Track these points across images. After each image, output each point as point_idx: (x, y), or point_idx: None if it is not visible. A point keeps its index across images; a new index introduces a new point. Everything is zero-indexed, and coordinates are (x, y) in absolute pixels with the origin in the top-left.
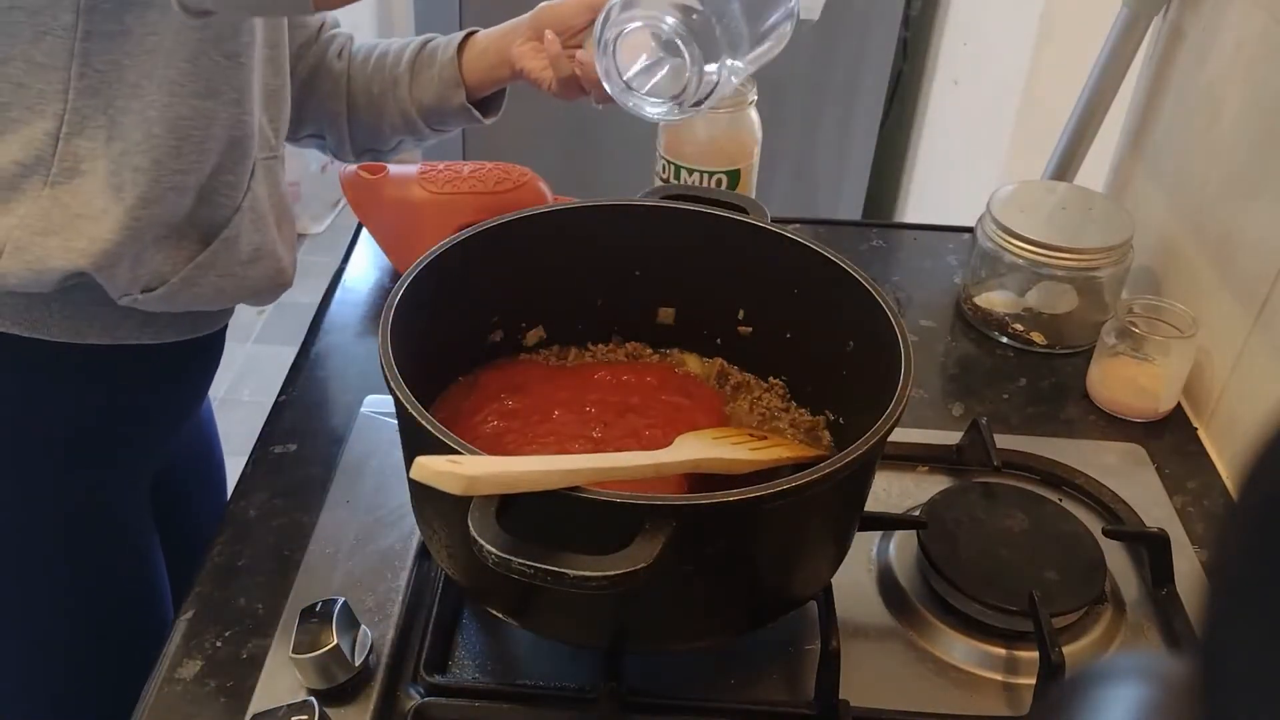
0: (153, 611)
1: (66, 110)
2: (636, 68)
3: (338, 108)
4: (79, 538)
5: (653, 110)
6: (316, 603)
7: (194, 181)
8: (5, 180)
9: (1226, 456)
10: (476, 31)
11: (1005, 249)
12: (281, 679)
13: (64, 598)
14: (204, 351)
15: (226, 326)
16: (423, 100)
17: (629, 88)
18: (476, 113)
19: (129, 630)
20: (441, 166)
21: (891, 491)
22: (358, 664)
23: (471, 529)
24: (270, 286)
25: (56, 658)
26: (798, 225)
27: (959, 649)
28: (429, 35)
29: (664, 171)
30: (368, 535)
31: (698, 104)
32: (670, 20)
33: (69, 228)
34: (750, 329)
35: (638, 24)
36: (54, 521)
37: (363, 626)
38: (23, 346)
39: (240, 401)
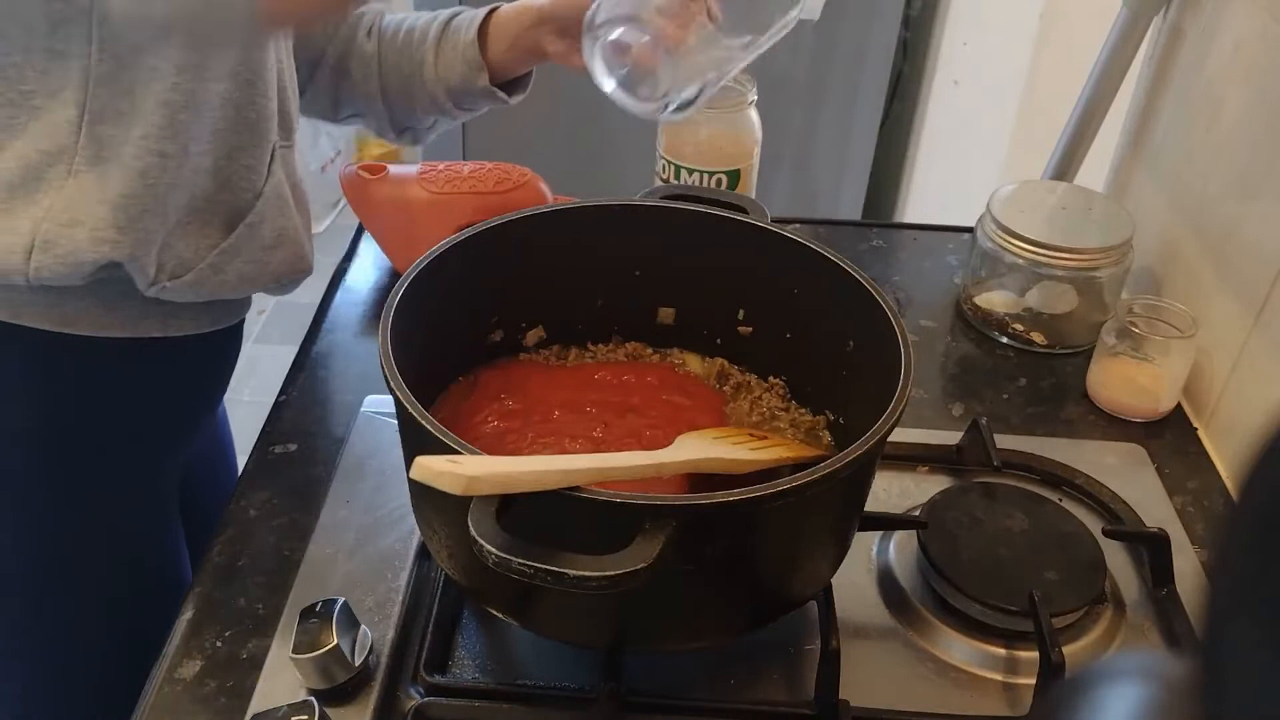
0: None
1: (88, 97)
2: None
3: (372, 90)
4: (107, 532)
5: (641, 109)
6: (316, 603)
7: (211, 164)
8: (32, 170)
9: (1226, 456)
10: (499, 7)
11: (1005, 249)
12: (281, 679)
13: (90, 591)
14: (224, 344)
15: (244, 320)
16: (449, 82)
17: (619, 86)
18: (501, 94)
19: (153, 624)
20: (441, 166)
21: (891, 491)
22: (358, 664)
23: (471, 529)
24: (291, 272)
25: (80, 644)
26: (798, 225)
27: (959, 649)
28: (454, 10)
29: (664, 171)
30: (368, 535)
31: (682, 108)
32: (626, 39)
33: (95, 217)
34: (750, 329)
35: (614, 36)
36: (84, 516)
37: (363, 626)
38: (50, 341)
39: (240, 401)
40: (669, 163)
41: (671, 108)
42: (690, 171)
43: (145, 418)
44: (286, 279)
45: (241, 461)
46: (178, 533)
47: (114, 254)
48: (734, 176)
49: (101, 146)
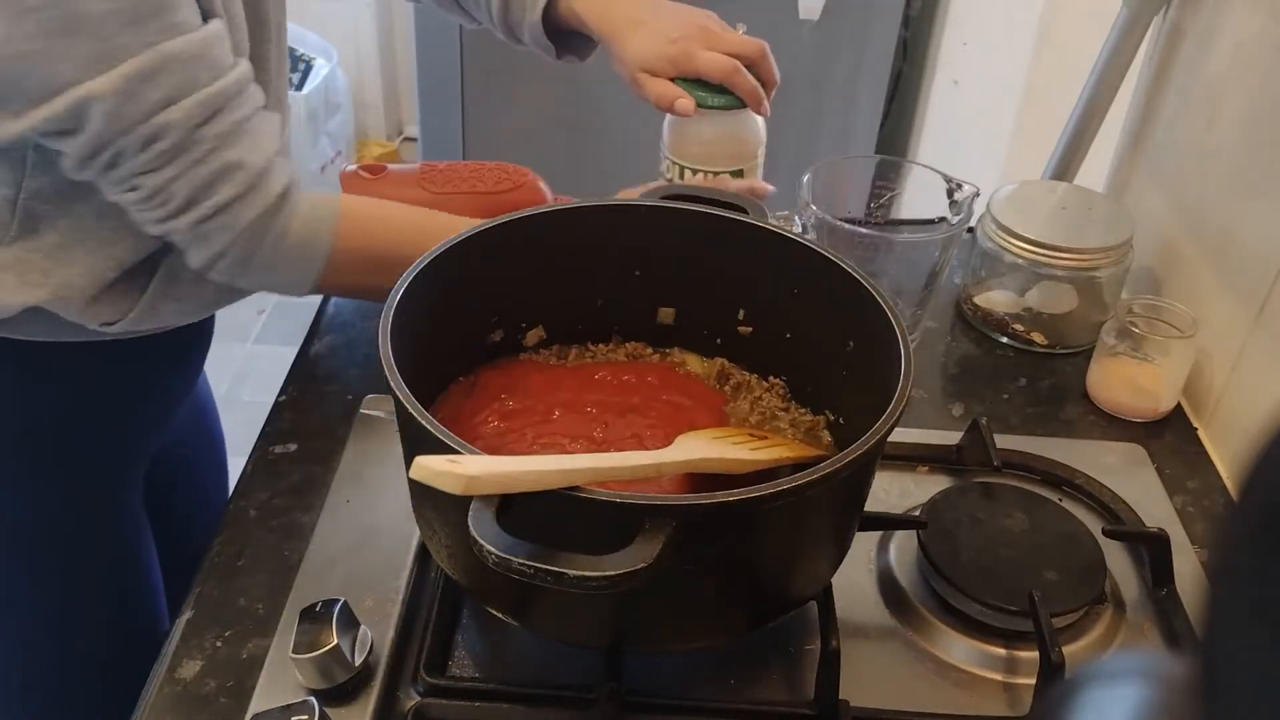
0: (144, 610)
1: (25, 177)
2: None
3: None
4: (70, 539)
5: None
6: (316, 603)
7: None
8: None
9: (1226, 456)
10: None
11: (1005, 249)
12: (281, 679)
13: (53, 595)
14: (188, 335)
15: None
16: None
17: None
18: (546, 41)
19: (121, 630)
20: (442, 166)
21: (891, 491)
22: (358, 664)
23: (471, 529)
24: (233, 296)
25: (47, 658)
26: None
27: (959, 649)
28: None
29: (669, 171)
30: (368, 535)
31: None
32: None
33: (33, 271)
34: (750, 329)
35: None
36: (43, 523)
37: (363, 626)
38: (22, 347)
39: (240, 401)
40: (674, 163)
41: None
42: (695, 171)
43: (110, 414)
44: (229, 301)
45: (241, 462)
46: (146, 537)
47: (44, 302)
48: (738, 176)
49: (38, 220)
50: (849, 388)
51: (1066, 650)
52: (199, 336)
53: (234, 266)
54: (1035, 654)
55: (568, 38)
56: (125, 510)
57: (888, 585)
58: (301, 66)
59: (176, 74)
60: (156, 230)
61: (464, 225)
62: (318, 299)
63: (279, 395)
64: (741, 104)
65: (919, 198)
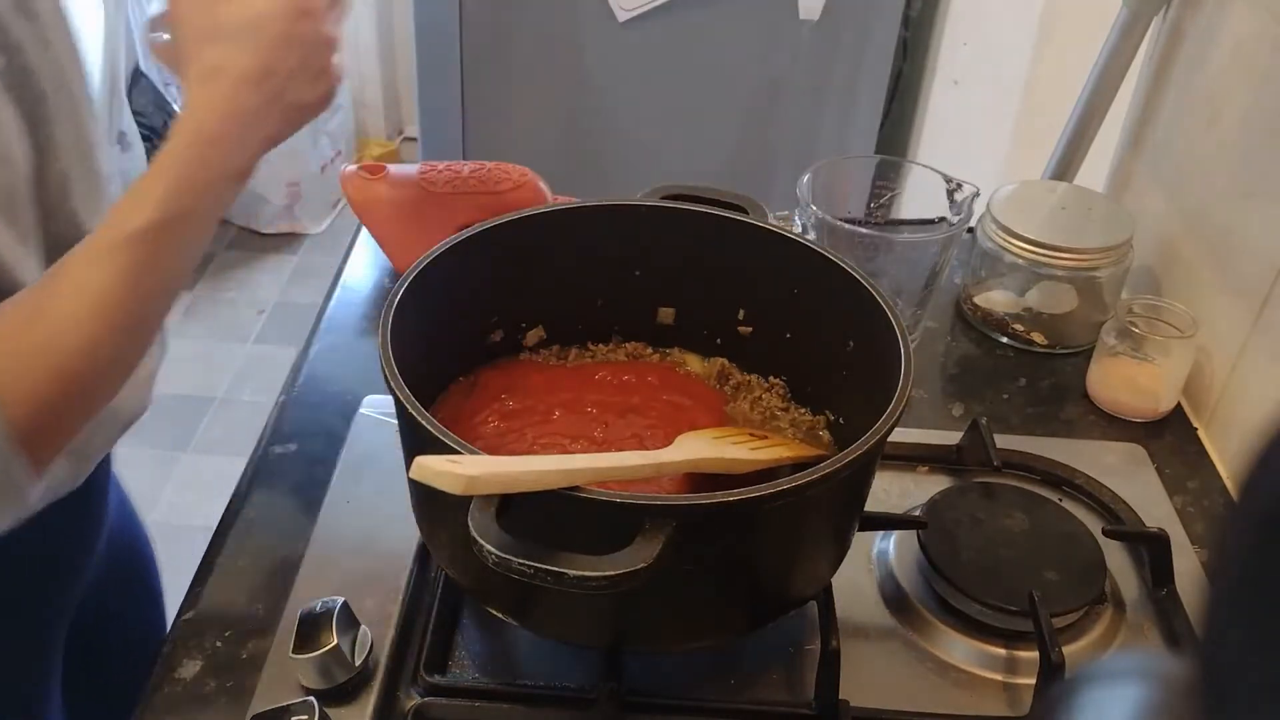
0: None
1: None
2: None
3: None
4: None
5: None
6: (316, 603)
7: None
8: None
9: (1226, 456)
10: None
11: (1005, 249)
12: (281, 679)
13: None
14: (75, 504)
15: (108, 460)
16: None
17: None
18: None
19: None
20: (441, 166)
21: (891, 491)
22: (358, 664)
23: (471, 529)
24: (122, 420)
25: None
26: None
27: (959, 649)
28: None
29: None
30: (368, 535)
31: None
32: None
33: None
34: (750, 329)
35: None
36: None
37: (363, 626)
38: None
39: (240, 401)
40: None
41: None
42: None
43: (26, 573)
44: (124, 422)
45: (241, 462)
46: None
47: None
48: None
49: None
50: (849, 388)
51: (1066, 650)
52: (82, 504)
53: None
54: (1035, 654)
55: None
56: (43, 681)
57: (888, 585)
58: None
59: None
60: None
61: (87, 267)
62: (317, 299)
63: (279, 395)
64: None
65: (919, 198)
